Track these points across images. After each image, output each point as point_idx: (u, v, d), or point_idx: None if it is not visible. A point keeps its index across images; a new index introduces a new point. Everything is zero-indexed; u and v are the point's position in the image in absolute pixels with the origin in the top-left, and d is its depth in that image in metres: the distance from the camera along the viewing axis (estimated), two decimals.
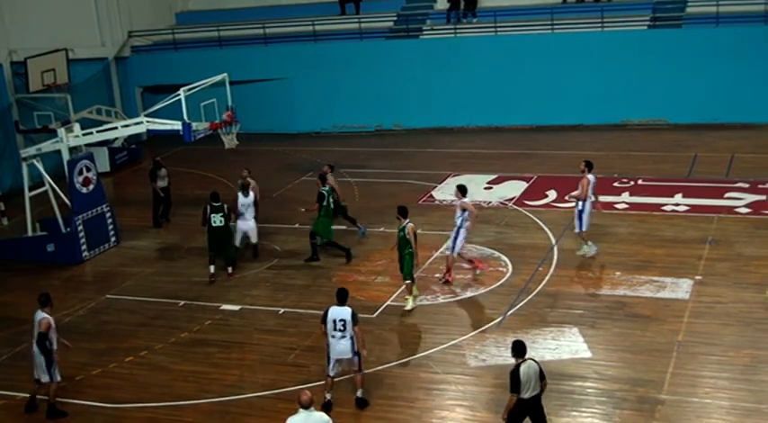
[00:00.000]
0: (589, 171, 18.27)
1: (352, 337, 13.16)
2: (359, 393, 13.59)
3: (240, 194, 19.68)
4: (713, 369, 13.96)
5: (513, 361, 11.60)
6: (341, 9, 33.90)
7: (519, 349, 11.56)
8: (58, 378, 13.93)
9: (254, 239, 19.99)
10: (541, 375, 11.56)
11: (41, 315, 13.71)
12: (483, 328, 15.81)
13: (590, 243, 18.54)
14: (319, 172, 21.07)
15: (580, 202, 18.33)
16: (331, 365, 13.40)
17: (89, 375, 15.31)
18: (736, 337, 14.85)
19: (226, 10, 35.62)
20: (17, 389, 14.92)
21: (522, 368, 11.44)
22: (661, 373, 13.87)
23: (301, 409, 10.73)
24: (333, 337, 13.14)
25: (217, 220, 18.89)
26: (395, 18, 33.49)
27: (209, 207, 18.97)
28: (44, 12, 29.69)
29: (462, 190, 17.92)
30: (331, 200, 19.84)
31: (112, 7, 32.88)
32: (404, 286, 17.06)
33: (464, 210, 17.65)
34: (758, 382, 13.44)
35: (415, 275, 16.88)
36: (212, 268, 19.16)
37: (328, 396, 13.45)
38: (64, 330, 17.09)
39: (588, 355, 14.68)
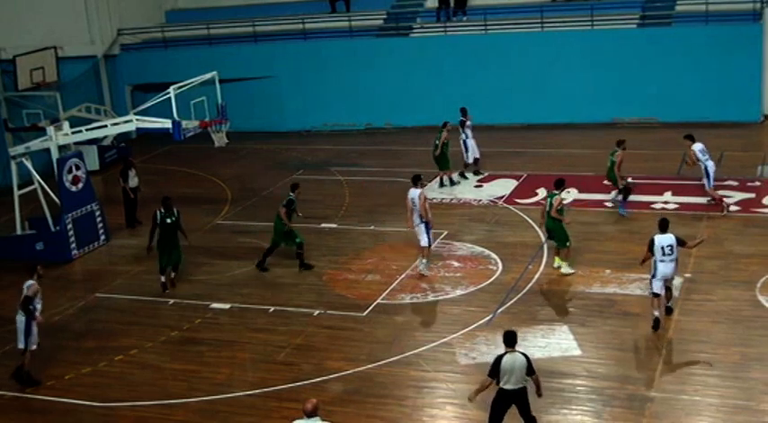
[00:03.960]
0: None
1: (676, 260, 15.18)
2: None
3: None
4: (703, 366, 13.99)
5: None
6: (331, 7, 33.87)
7: (508, 339, 11.64)
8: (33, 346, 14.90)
9: None
10: (529, 371, 11.58)
11: (30, 282, 14.98)
12: (473, 326, 15.81)
13: None
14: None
15: None
16: (657, 285, 15.21)
17: (79, 374, 15.26)
18: (726, 335, 14.89)
19: (215, 8, 35.60)
20: (5, 388, 14.87)
21: (506, 358, 11.50)
22: (651, 370, 13.91)
23: (305, 418, 10.45)
24: (662, 261, 15.03)
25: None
26: (385, 16, 33.48)
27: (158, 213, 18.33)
28: (33, 9, 29.59)
29: None
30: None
31: (102, 5, 32.78)
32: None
33: None
34: (747, 379, 13.47)
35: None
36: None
37: (656, 313, 15.14)
38: (54, 329, 17.13)
39: (578, 352, 14.70)
